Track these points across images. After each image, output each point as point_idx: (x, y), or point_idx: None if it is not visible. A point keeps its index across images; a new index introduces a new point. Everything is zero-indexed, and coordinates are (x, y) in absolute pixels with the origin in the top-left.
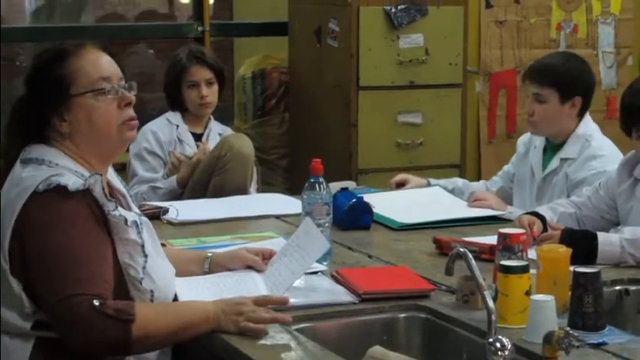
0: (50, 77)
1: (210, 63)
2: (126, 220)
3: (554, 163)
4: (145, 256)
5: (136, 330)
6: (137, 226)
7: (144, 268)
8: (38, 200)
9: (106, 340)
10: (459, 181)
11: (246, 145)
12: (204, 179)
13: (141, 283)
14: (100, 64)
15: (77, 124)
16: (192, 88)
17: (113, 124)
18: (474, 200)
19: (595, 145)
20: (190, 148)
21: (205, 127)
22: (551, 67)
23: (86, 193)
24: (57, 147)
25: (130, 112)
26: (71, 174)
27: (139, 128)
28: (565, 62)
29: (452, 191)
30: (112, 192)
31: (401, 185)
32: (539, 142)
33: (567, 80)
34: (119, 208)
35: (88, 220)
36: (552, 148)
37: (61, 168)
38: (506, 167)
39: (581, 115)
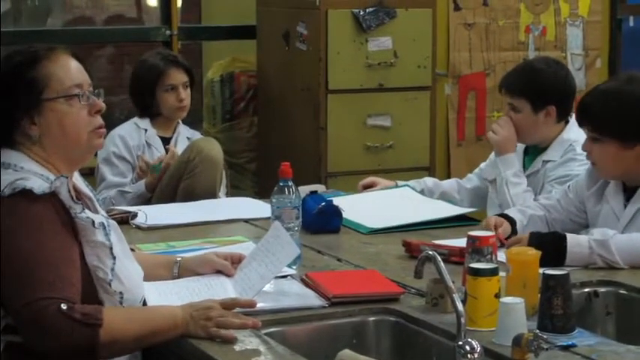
0: (22, 80)
1: (186, 66)
2: (93, 222)
3: (537, 164)
4: (114, 258)
5: (103, 335)
6: (104, 228)
7: (112, 270)
8: (4, 204)
9: (72, 345)
10: (429, 181)
11: (215, 148)
12: (173, 183)
13: (110, 285)
14: (72, 69)
15: (47, 129)
16: (170, 92)
17: (84, 131)
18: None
19: (579, 150)
20: (159, 152)
21: (174, 132)
22: (522, 76)
23: (52, 196)
24: (23, 151)
25: (100, 119)
26: (37, 177)
27: (107, 133)
28: (538, 71)
29: (421, 192)
30: (78, 195)
31: (369, 188)
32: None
33: (538, 90)
34: (86, 211)
35: (55, 224)
36: (534, 150)
37: (27, 172)
38: (483, 165)
39: (563, 120)
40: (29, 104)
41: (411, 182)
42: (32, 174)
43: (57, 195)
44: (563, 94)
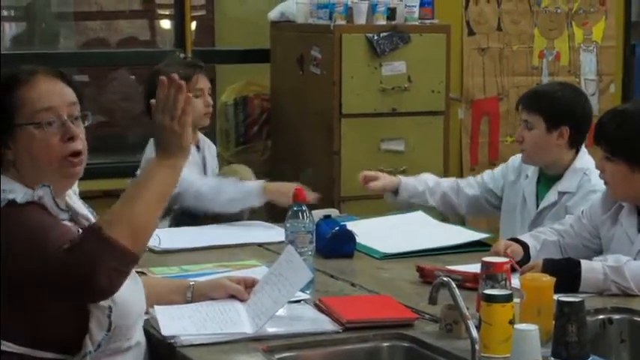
0: None
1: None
2: (79, 231)
3: (552, 196)
4: None
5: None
6: None
7: None
8: None
9: (103, 253)
10: (430, 181)
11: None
12: None
13: None
14: (49, 93)
15: (20, 154)
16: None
17: (54, 158)
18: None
19: (594, 181)
20: None
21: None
22: (540, 94)
23: (36, 204)
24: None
25: (75, 146)
26: (19, 189)
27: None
28: (556, 91)
29: (423, 193)
30: (76, 218)
31: (371, 181)
32: (531, 171)
33: (554, 109)
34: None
35: (46, 220)
36: (546, 179)
37: (6, 186)
38: (486, 177)
39: (575, 148)
40: (2, 129)
41: (411, 179)
42: (12, 188)
43: (41, 203)
44: (578, 118)
